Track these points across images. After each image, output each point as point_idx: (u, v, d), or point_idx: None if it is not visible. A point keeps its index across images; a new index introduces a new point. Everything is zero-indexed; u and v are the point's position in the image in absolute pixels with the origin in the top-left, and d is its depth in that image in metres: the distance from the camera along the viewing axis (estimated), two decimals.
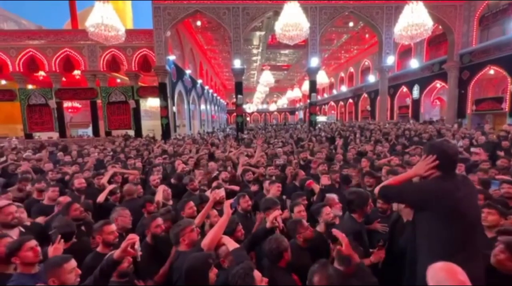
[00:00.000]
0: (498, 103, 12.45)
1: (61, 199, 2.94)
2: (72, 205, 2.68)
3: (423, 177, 1.55)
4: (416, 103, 16.86)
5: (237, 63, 13.76)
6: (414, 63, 16.94)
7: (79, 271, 1.61)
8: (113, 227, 2.11)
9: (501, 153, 5.07)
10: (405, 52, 18.47)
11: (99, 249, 2.07)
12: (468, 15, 13.33)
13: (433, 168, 1.49)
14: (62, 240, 1.96)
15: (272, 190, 3.31)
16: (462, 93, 13.70)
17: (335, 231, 1.69)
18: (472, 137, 7.04)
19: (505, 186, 2.70)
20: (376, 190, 1.69)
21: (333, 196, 2.73)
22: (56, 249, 1.87)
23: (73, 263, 1.59)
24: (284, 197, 3.51)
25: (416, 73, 16.79)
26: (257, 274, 1.48)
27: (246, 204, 2.85)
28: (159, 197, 3.16)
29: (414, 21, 8.79)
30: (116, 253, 1.56)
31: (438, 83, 15.43)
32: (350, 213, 2.32)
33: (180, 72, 15.67)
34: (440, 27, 14.17)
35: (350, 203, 2.32)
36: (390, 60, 14.07)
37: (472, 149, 5.34)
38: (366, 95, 22.79)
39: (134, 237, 1.61)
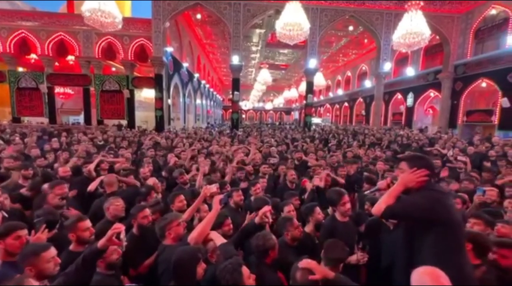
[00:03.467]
0: (488, 115, 12.79)
1: None
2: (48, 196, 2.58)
3: (410, 188, 1.56)
4: (410, 111, 17.13)
5: (235, 60, 13.69)
6: (410, 71, 17.19)
7: (59, 260, 1.55)
8: (88, 223, 1.97)
9: (488, 164, 5.21)
10: (401, 60, 18.72)
11: (72, 247, 1.91)
12: (464, 28, 13.59)
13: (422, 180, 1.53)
14: (46, 230, 1.90)
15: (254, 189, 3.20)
16: (455, 104, 14.02)
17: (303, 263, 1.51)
18: (461, 147, 7.19)
19: (489, 192, 2.86)
20: (376, 212, 1.57)
21: None
22: (39, 238, 1.81)
23: (52, 251, 1.52)
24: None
25: (411, 81, 17.06)
26: (245, 270, 1.47)
27: (239, 198, 2.88)
28: None
29: (413, 29, 8.93)
30: (101, 242, 1.53)
31: (432, 93, 15.72)
32: (333, 212, 2.39)
33: (177, 65, 15.46)
34: (437, 37, 14.41)
35: (329, 202, 2.40)
36: (387, 66, 14.25)
37: (459, 157, 5.53)
38: (361, 99, 23.04)
39: (119, 227, 1.57)
